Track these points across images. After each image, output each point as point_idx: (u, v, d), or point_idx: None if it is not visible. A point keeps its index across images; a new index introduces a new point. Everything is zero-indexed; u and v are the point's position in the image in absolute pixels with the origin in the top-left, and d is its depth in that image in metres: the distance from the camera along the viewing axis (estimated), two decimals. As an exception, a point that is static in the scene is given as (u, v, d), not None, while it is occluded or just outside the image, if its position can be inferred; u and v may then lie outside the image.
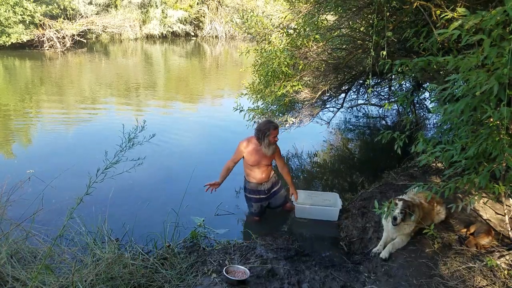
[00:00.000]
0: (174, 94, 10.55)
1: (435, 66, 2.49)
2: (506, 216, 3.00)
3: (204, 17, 23.21)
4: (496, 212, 3.22)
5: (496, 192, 2.12)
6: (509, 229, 2.91)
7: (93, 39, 19.39)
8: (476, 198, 2.19)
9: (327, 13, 4.35)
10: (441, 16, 2.23)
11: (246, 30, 4.49)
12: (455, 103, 2.12)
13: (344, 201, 4.19)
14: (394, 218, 2.82)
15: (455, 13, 2.08)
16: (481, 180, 2.05)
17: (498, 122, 1.92)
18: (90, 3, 18.96)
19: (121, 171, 2.40)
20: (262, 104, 5.04)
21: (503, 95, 1.84)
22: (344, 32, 4.54)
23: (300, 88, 4.41)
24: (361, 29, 4.43)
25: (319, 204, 4.00)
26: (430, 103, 6.71)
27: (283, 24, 4.33)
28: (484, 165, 2.12)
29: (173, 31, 22.15)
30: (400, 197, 3.05)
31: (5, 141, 6.18)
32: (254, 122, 5.16)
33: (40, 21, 16.03)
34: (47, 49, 16.08)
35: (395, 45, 3.83)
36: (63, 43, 16.56)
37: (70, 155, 5.48)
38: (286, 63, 4.23)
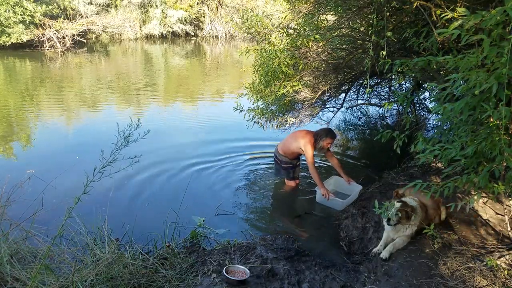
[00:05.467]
0: (174, 94, 10.56)
1: (435, 66, 2.49)
2: (506, 216, 3.00)
3: (204, 17, 23.20)
4: (496, 212, 3.22)
5: (496, 192, 2.12)
6: (509, 229, 2.91)
7: (93, 39, 19.38)
8: (475, 198, 2.18)
9: (327, 13, 4.34)
10: (441, 16, 2.22)
11: (246, 30, 4.48)
12: (455, 102, 2.12)
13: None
14: (389, 219, 2.82)
15: (455, 13, 2.08)
16: (481, 180, 2.05)
17: (497, 122, 1.91)
18: (90, 3, 18.93)
19: (118, 169, 2.40)
20: (262, 104, 5.03)
21: (502, 95, 1.84)
22: (344, 32, 4.54)
23: (300, 88, 4.41)
24: (361, 29, 4.43)
25: (340, 191, 4.47)
26: (430, 103, 6.71)
27: (283, 24, 4.33)
28: (484, 164, 2.12)
29: (173, 31, 22.12)
30: (403, 198, 3.06)
31: (5, 141, 6.18)
32: (254, 122, 5.17)
33: (40, 21, 16.00)
34: (47, 49, 16.06)
35: (395, 45, 3.83)
36: (63, 43, 16.53)
37: (70, 155, 5.48)
38: (286, 63, 4.22)
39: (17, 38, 15.04)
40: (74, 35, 17.11)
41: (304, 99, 4.76)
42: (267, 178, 4.97)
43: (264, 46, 4.51)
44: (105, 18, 19.07)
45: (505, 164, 2.00)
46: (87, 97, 9.43)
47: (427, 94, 6.89)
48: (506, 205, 3.11)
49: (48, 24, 16.33)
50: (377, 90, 7.21)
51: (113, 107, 8.70)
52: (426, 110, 6.95)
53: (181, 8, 21.67)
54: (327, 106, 6.01)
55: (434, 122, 6.61)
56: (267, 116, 5.03)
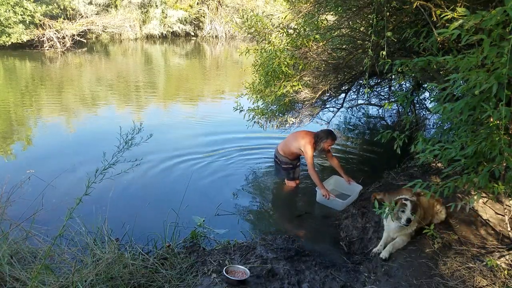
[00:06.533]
0: (174, 94, 10.56)
1: (435, 66, 2.49)
2: (506, 216, 3.01)
3: (204, 17, 23.20)
4: (496, 212, 3.22)
5: (496, 192, 2.12)
6: (509, 229, 2.91)
7: (93, 39, 19.38)
8: (475, 198, 2.18)
9: (327, 13, 4.34)
10: (441, 16, 2.22)
11: (246, 30, 4.48)
12: (455, 102, 2.12)
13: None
14: (408, 220, 2.81)
15: (455, 13, 2.07)
16: (481, 180, 2.04)
17: (497, 122, 1.91)
18: (90, 3, 18.92)
19: (119, 171, 2.40)
20: (262, 104, 5.04)
21: (502, 95, 1.84)
22: (344, 32, 4.53)
23: (300, 88, 4.41)
24: (361, 29, 4.43)
25: (340, 191, 4.47)
26: (430, 103, 6.71)
27: (283, 24, 4.33)
28: (484, 164, 2.12)
29: (173, 31, 22.12)
30: (404, 197, 3.05)
31: (5, 141, 6.18)
32: (254, 122, 5.17)
33: (40, 21, 16.00)
34: (47, 49, 16.05)
35: (395, 45, 3.83)
36: (63, 43, 16.53)
37: (70, 155, 5.48)
38: (286, 63, 4.22)
39: (17, 38, 15.03)
40: (74, 35, 17.10)
41: (304, 99, 4.76)
42: (267, 178, 4.98)
43: (264, 46, 4.51)
44: (105, 18, 19.06)
45: (505, 164, 2.00)
46: (87, 97, 9.43)
47: (427, 94, 6.89)
48: (506, 205, 3.12)
49: (48, 24, 16.32)
50: (377, 90, 7.20)
51: (113, 107, 8.70)
52: (426, 110, 6.95)
53: (181, 8, 21.66)
54: (327, 106, 6.01)
55: (434, 122, 6.61)
56: (267, 116, 5.03)
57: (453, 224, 3.15)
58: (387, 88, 7.23)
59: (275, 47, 4.32)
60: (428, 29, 2.90)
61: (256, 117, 5.08)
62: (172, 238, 3.28)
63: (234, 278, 2.65)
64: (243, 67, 5.45)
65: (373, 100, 7.31)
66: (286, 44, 4.31)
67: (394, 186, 4.05)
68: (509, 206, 3.10)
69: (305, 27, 4.36)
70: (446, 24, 2.16)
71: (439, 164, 4.28)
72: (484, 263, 2.57)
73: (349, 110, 7.65)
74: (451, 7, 2.30)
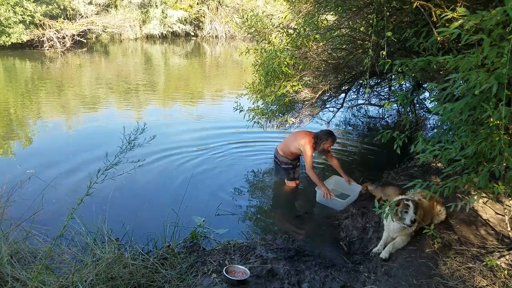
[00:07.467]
0: (174, 94, 10.56)
1: (435, 66, 2.49)
2: (506, 216, 3.01)
3: (204, 17, 23.21)
4: (496, 212, 3.22)
5: (496, 192, 2.12)
6: (509, 229, 2.92)
7: (93, 39, 19.39)
8: (475, 198, 2.18)
9: (327, 13, 4.34)
10: (441, 16, 2.22)
11: (246, 30, 4.48)
12: (455, 102, 2.12)
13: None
14: (412, 221, 2.81)
15: (455, 13, 2.07)
16: (481, 180, 2.04)
17: (497, 122, 1.91)
18: (90, 3, 18.94)
19: (121, 172, 2.40)
20: (262, 104, 5.04)
21: (502, 95, 1.84)
22: (344, 32, 4.53)
23: (300, 88, 4.41)
24: (361, 29, 4.43)
25: (340, 191, 4.47)
26: (430, 103, 6.71)
27: (283, 24, 4.33)
28: (484, 164, 2.12)
29: (173, 31, 22.15)
30: (406, 197, 3.05)
31: (5, 141, 6.18)
32: (254, 122, 5.17)
33: (40, 21, 16.03)
34: (47, 49, 16.08)
35: (395, 45, 3.83)
36: (63, 43, 16.56)
37: (70, 155, 5.48)
38: (286, 63, 4.22)
39: (17, 38, 15.05)
40: (74, 35, 17.14)
41: (304, 99, 4.76)
42: (267, 178, 4.98)
43: (264, 46, 4.51)
44: (105, 18, 19.09)
45: (505, 164, 2.00)
46: (87, 97, 9.43)
47: (427, 94, 6.89)
48: (506, 205, 3.12)
49: (48, 24, 16.34)
50: (377, 90, 7.20)
51: (113, 107, 8.70)
52: (426, 110, 6.95)
53: (181, 8, 21.68)
54: (327, 106, 6.01)
55: (434, 122, 6.61)
56: (267, 116, 5.03)
57: (453, 224, 3.16)
58: (387, 88, 7.23)
59: (275, 47, 4.32)
60: (428, 29, 2.90)
61: (256, 117, 5.08)
62: (172, 238, 3.28)
63: (234, 278, 2.65)
64: (243, 67, 5.45)
65: (373, 100, 7.30)
66: (286, 44, 4.31)
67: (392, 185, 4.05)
68: (509, 206, 3.11)
69: (305, 27, 4.36)
70: (446, 24, 2.16)
71: (439, 164, 4.29)
72: (484, 263, 2.57)
73: (349, 110, 7.65)
74: (451, 7, 2.30)
